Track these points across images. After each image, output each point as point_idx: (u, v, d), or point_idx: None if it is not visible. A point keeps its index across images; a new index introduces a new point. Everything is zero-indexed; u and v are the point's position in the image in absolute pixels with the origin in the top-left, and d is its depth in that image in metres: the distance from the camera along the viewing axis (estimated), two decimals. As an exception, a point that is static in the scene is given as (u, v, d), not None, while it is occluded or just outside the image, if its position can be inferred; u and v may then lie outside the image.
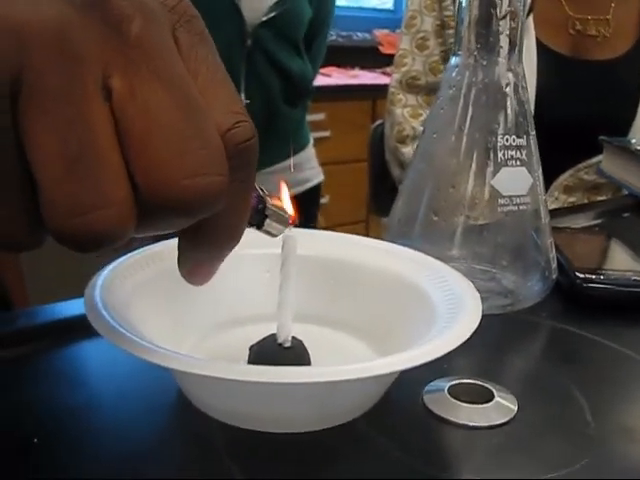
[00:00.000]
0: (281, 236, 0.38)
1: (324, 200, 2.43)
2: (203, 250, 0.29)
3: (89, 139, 0.22)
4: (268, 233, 0.34)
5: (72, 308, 0.52)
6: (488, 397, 0.41)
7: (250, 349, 0.40)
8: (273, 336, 0.40)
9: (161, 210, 0.24)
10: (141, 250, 0.44)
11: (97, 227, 0.22)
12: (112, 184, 0.23)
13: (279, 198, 0.34)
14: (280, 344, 0.40)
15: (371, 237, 0.50)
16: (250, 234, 0.47)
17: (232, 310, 0.46)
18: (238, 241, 0.29)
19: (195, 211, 0.24)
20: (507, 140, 0.53)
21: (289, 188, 0.36)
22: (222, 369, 0.31)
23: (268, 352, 0.39)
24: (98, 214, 0.22)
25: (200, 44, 0.26)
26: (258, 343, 0.40)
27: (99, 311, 0.35)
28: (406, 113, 1.29)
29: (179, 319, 0.43)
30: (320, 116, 2.47)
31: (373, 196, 1.56)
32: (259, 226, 0.33)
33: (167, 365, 0.31)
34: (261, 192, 0.32)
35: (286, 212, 0.34)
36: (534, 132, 0.55)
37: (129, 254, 0.43)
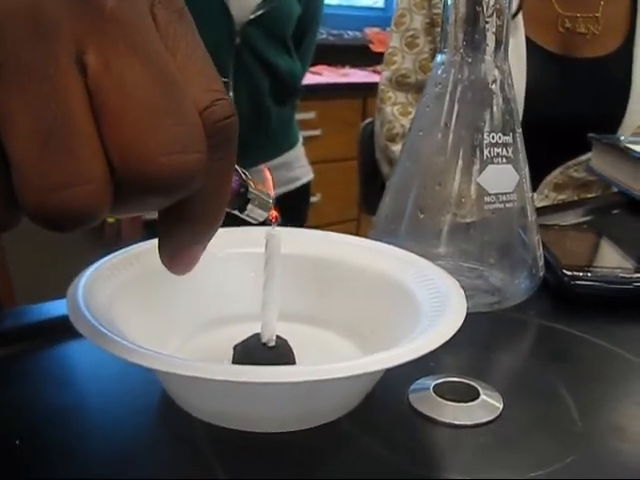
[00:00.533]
0: (265, 234, 0.37)
1: (315, 199, 2.43)
2: (184, 234, 0.28)
3: (64, 115, 0.22)
4: (250, 218, 0.33)
5: (58, 308, 0.51)
6: (474, 395, 0.41)
7: (234, 349, 0.40)
8: (257, 335, 0.40)
9: (137, 188, 0.23)
10: (124, 250, 0.44)
11: (73, 204, 0.22)
12: (88, 160, 0.22)
13: (262, 184, 0.34)
14: (264, 343, 0.39)
15: (361, 236, 0.50)
16: (235, 233, 0.47)
17: (217, 310, 0.46)
18: (219, 223, 0.28)
19: (172, 189, 0.24)
20: (493, 137, 0.53)
21: (278, 187, 0.36)
22: (205, 369, 0.30)
23: (252, 351, 0.39)
24: (73, 191, 0.22)
25: (179, 21, 0.25)
26: (242, 343, 0.40)
27: (81, 312, 0.35)
28: (396, 111, 1.29)
29: (163, 319, 0.43)
30: (310, 115, 2.47)
31: (363, 194, 1.56)
32: (241, 210, 0.32)
33: (149, 365, 0.31)
34: (243, 176, 0.32)
35: (269, 197, 0.34)
36: (520, 129, 0.55)
37: (112, 254, 0.43)
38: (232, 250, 0.47)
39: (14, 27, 0.21)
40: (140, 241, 0.44)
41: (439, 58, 0.55)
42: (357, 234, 0.50)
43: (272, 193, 0.35)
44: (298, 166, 1.74)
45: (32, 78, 0.21)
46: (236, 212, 0.33)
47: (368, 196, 1.53)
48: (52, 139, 0.21)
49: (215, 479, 0.34)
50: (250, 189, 0.32)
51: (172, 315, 0.43)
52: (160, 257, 0.29)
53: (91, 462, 0.36)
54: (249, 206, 0.32)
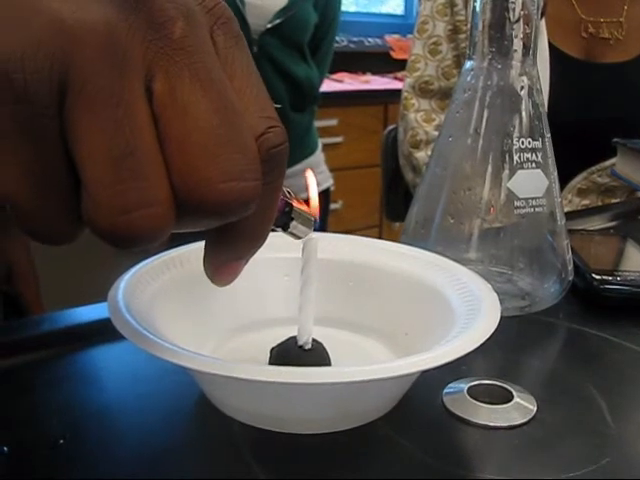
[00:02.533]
0: (302, 239, 0.38)
1: (337, 206, 2.44)
2: (229, 250, 0.29)
3: (135, 139, 0.23)
4: (293, 235, 0.34)
5: (93, 313, 0.52)
6: (507, 398, 0.41)
7: (271, 351, 0.41)
8: (294, 338, 0.40)
9: (195, 211, 0.24)
10: (161, 255, 0.45)
11: (141, 225, 0.23)
12: (156, 184, 0.23)
13: (304, 202, 0.35)
14: (301, 346, 0.40)
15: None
16: (269, 238, 0.48)
17: (252, 313, 0.47)
18: (263, 242, 0.29)
19: (228, 214, 0.25)
20: (523, 143, 0.53)
21: (298, 193, 0.36)
22: (247, 370, 0.31)
23: (289, 354, 0.40)
24: (143, 213, 0.23)
25: (236, 47, 0.26)
26: (279, 345, 0.41)
27: (123, 314, 0.36)
28: (419, 118, 1.29)
29: (199, 323, 0.44)
30: (332, 122, 2.48)
31: (386, 201, 1.56)
32: (284, 228, 0.33)
33: (193, 367, 0.31)
34: (287, 194, 0.33)
35: (311, 214, 0.34)
36: (549, 134, 0.55)
37: (150, 258, 0.44)
38: (266, 255, 0.47)
39: (89, 52, 0.22)
40: (166, 249, 0.45)
41: (468, 64, 0.55)
42: (380, 240, 0.50)
43: (315, 208, 0.36)
44: (318, 172, 1.75)
45: (108, 103, 0.22)
46: (279, 230, 0.33)
47: (391, 203, 1.53)
48: (124, 163, 0.23)
49: (256, 479, 0.35)
50: (294, 207, 0.33)
51: (208, 318, 0.44)
52: (205, 269, 0.30)
53: (130, 462, 0.36)
54: (292, 223, 0.33)
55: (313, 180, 0.39)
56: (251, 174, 0.24)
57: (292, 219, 0.33)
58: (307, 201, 0.36)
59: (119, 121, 0.22)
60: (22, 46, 0.21)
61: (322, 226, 1.79)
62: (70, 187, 0.23)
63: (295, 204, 0.33)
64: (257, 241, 0.29)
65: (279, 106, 0.26)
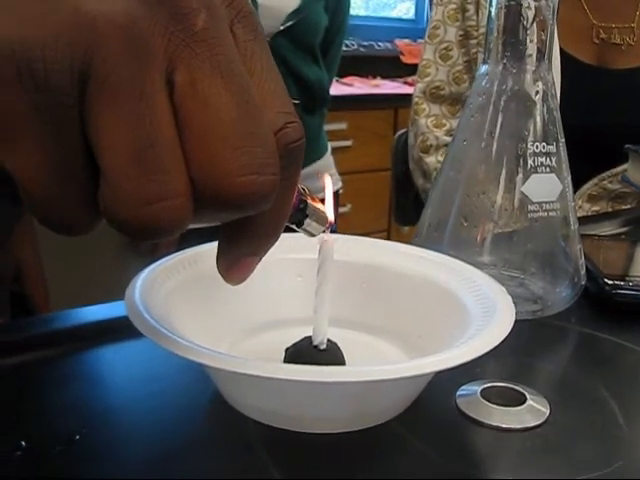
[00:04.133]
0: (317, 240, 0.38)
1: (346, 209, 2.44)
2: (243, 246, 0.29)
3: (156, 131, 0.23)
4: (307, 232, 0.34)
5: (104, 311, 0.53)
6: (520, 400, 0.42)
7: (286, 351, 0.41)
8: (309, 338, 0.41)
9: (214, 203, 0.24)
10: (177, 254, 0.45)
11: (162, 217, 0.23)
12: (176, 176, 0.23)
13: (319, 199, 0.35)
14: (316, 346, 0.40)
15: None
16: (282, 240, 0.48)
17: (266, 314, 0.47)
18: (277, 238, 0.29)
19: (246, 207, 0.25)
20: (537, 147, 0.53)
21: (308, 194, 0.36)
22: (265, 368, 0.31)
23: (304, 354, 0.40)
24: (163, 205, 0.23)
25: (255, 41, 0.26)
26: (294, 345, 0.41)
27: (141, 312, 0.36)
28: (430, 123, 1.29)
29: (214, 323, 0.44)
30: (342, 125, 2.48)
31: (396, 205, 1.56)
32: (299, 225, 0.33)
33: (213, 365, 0.32)
34: (302, 191, 0.33)
35: (325, 212, 0.34)
36: (563, 139, 0.55)
37: (166, 257, 0.44)
38: (280, 255, 0.47)
39: (111, 43, 0.22)
40: (175, 249, 0.45)
41: (483, 69, 0.56)
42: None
43: (331, 208, 0.36)
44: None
45: (130, 95, 0.22)
46: (294, 226, 0.33)
47: (401, 207, 1.53)
48: (145, 155, 0.23)
49: (271, 478, 0.35)
50: (309, 204, 0.33)
51: (223, 318, 0.45)
52: (217, 266, 0.30)
53: (145, 459, 0.37)
54: (307, 220, 0.33)
55: (329, 183, 0.40)
56: (270, 168, 0.24)
57: (307, 216, 0.33)
58: (322, 200, 0.36)
59: (141, 113, 0.23)
60: (44, 35, 0.21)
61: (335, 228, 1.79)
62: (88, 176, 0.23)
63: (310, 201, 0.33)
64: (272, 237, 0.29)
65: (297, 101, 0.26)
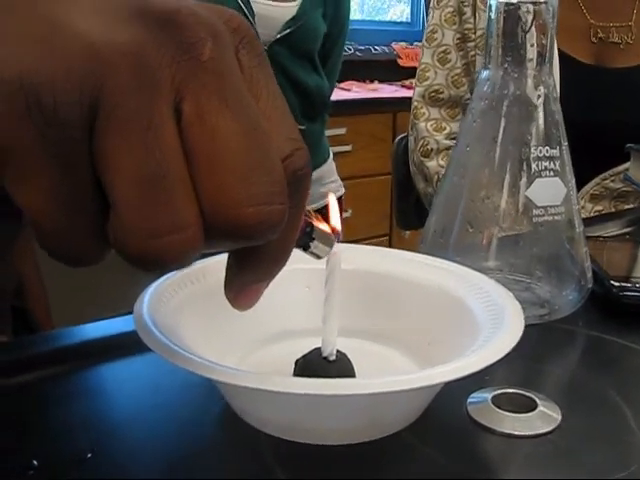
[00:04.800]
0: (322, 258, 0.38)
1: (347, 214, 2.44)
2: (251, 273, 0.29)
3: (165, 163, 0.23)
4: (313, 255, 0.34)
5: (111, 327, 0.53)
6: (531, 406, 0.42)
7: (295, 363, 0.41)
8: (318, 350, 0.41)
9: (222, 233, 0.24)
10: (183, 269, 0.45)
11: (171, 249, 0.23)
12: (186, 208, 0.23)
13: (324, 219, 0.35)
14: (325, 357, 0.40)
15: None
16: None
17: (274, 325, 0.47)
18: (284, 265, 0.29)
19: (255, 237, 0.25)
20: (540, 151, 0.53)
21: (310, 203, 0.36)
22: (277, 382, 0.31)
23: (314, 366, 0.40)
24: (174, 237, 0.23)
25: (260, 67, 0.26)
26: (303, 357, 0.41)
27: (150, 328, 0.36)
28: (430, 127, 1.29)
29: (223, 335, 0.44)
30: (341, 130, 2.48)
31: (397, 210, 1.56)
32: (305, 248, 0.33)
33: (225, 380, 0.32)
34: (307, 213, 0.32)
35: (331, 234, 0.34)
36: (567, 142, 0.55)
37: (172, 272, 0.44)
38: (287, 267, 0.47)
39: (119, 74, 0.22)
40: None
41: (484, 74, 0.56)
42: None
43: (338, 227, 0.36)
44: (329, 181, 1.75)
45: (138, 127, 0.22)
46: (300, 249, 0.33)
47: (402, 211, 1.53)
48: (154, 186, 0.23)
49: (284, 490, 0.35)
50: (315, 227, 0.33)
51: (232, 330, 0.44)
52: (225, 293, 0.30)
53: (157, 474, 0.37)
54: (313, 243, 0.33)
55: (334, 202, 0.39)
56: (279, 197, 0.24)
57: (313, 239, 0.33)
58: (325, 217, 0.35)
59: (149, 144, 0.23)
60: (53, 69, 0.21)
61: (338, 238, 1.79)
62: (97, 209, 0.23)
63: (315, 223, 0.33)
64: (279, 263, 0.29)
65: (303, 127, 0.26)
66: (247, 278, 0.29)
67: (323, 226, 0.34)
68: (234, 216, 0.24)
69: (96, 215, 0.24)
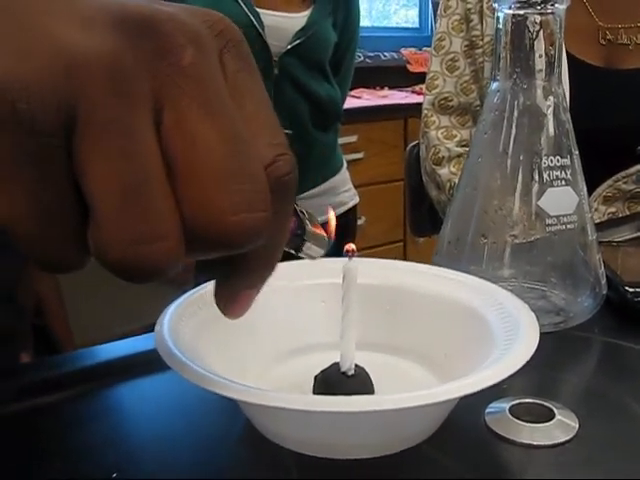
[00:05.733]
0: (342, 267, 0.39)
1: (360, 222, 2.44)
2: (240, 280, 0.29)
3: (144, 172, 0.23)
4: (307, 256, 0.34)
5: (134, 345, 0.53)
6: (549, 416, 0.42)
7: (315, 378, 0.41)
8: (336, 365, 0.41)
9: (204, 242, 0.24)
10: (202, 287, 0.45)
11: (151, 259, 0.23)
12: (166, 216, 0.23)
13: (318, 222, 0.34)
14: (344, 372, 0.41)
15: (408, 257, 0.51)
16: (302, 266, 0.48)
17: (292, 341, 0.47)
18: (272, 271, 0.29)
19: (237, 246, 0.24)
20: (551, 161, 0.54)
21: (324, 213, 0.36)
22: (296, 401, 0.32)
23: (333, 381, 0.41)
24: (154, 246, 0.23)
25: (245, 70, 0.26)
26: (322, 372, 0.41)
27: (169, 347, 0.37)
28: (440, 135, 1.30)
29: (242, 352, 0.44)
30: (352, 138, 2.48)
31: (411, 217, 1.56)
32: (297, 250, 0.33)
33: (246, 400, 0.32)
34: (301, 215, 0.32)
35: (324, 234, 0.34)
36: (577, 151, 0.56)
37: (191, 291, 0.45)
38: (302, 282, 0.48)
39: (95, 83, 0.22)
40: (194, 277, 0.46)
41: (494, 85, 0.56)
42: (404, 256, 0.51)
43: (332, 235, 0.36)
44: (343, 190, 1.75)
45: (116, 135, 0.22)
46: (292, 251, 0.33)
47: (416, 218, 1.53)
48: (134, 194, 0.22)
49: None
50: (307, 229, 0.32)
51: (250, 347, 0.45)
52: (216, 303, 0.30)
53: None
54: (306, 244, 0.33)
55: (333, 218, 0.39)
56: (261, 205, 0.24)
57: (305, 241, 0.33)
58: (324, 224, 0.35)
59: (128, 152, 0.22)
60: (27, 75, 0.21)
61: (351, 242, 1.78)
62: (77, 216, 0.23)
63: (308, 225, 0.32)
64: (267, 269, 0.29)
65: (289, 132, 0.26)
66: (237, 285, 0.29)
67: (315, 227, 0.33)
68: (215, 225, 0.23)
69: (76, 222, 0.23)
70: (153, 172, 0.23)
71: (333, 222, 0.37)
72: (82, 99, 0.22)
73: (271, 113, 0.27)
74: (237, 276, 0.29)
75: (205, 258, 0.26)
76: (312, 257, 0.34)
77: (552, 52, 0.53)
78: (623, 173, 1.21)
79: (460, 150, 1.26)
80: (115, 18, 0.23)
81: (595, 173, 1.20)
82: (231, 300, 0.30)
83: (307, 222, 0.33)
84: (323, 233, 0.34)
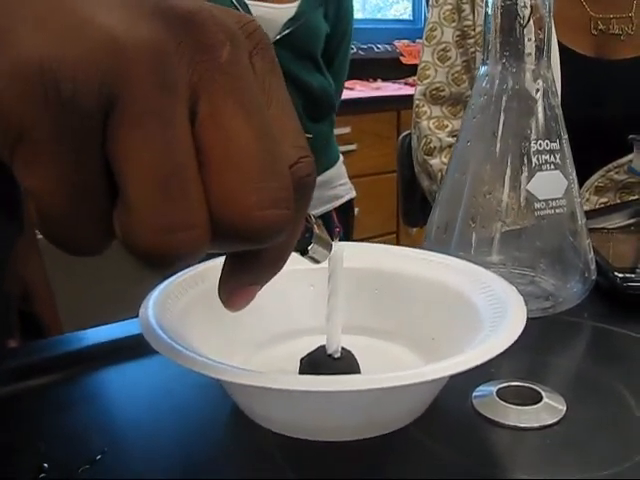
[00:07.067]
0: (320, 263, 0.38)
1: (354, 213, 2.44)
2: (246, 275, 0.29)
3: (179, 161, 0.23)
4: (312, 259, 0.34)
5: (120, 330, 0.53)
6: (536, 398, 0.42)
7: (301, 361, 0.41)
8: (323, 348, 0.41)
9: (229, 235, 0.25)
10: (187, 270, 0.45)
11: (179, 247, 0.23)
12: (196, 206, 0.24)
13: (323, 228, 0.34)
14: (330, 355, 0.41)
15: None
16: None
17: (279, 325, 0.47)
18: (281, 268, 0.30)
19: (261, 240, 0.25)
20: (540, 145, 0.54)
21: (320, 205, 0.36)
22: (279, 380, 0.32)
23: (319, 363, 0.40)
24: (183, 234, 0.23)
25: (272, 72, 0.27)
26: (308, 355, 0.41)
27: (154, 330, 0.37)
28: (432, 125, 1.29)
29: (228, 336, 0.44)
30: (346, 130, 2.48)
31: (403, 207, 1.56)
32: (304, 252, 0.33)
33: (230, 380, 0.32)
34: (308, 218, 0.33)
35: (330, 239, 0.34)
36: (566, 135, 0.55)
37: (176, 275, 0.45)
38: (291, 266, 0.48)
39: (138, 71, 0.22)
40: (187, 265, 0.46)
41: (483, 69, 0.56)
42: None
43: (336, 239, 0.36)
44: (340, 184, 1.74)
45: (155, 123, 0.23)
46: (297, 254, 0.33)
47: (409, 209, 1.53)
48: (168, 183, 0.23)
49: (292, 487, 0.35)
50: (315, 232, 0.33)
51: (236, 331, 0.45)
52: (219, 293, 0.31)
53: (167, 475, 0.37)
54: (312, 247, 0.33)
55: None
56: (286, 202, 0.25)
57: (312, 243, 0.33)
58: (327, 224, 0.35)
59: (166, 141, 0.23)
60: (75, 58, 0.22)
61: (347, 236, 1.78)
62: (105, 198, 0.24)
63: (316, 229, 0.33)
64: (276, 268, 0.29)
65: (310, 136, 0.26)
66: (244, 280, 0.30)
67: (322, 231, 0.34)
68: (242, 219, 0.24)
69: (103, 203, 0.24)
70: (188, 162, 0.23)
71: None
72: (124, 84, 0.22)
73: (295, 116, 0.27)
74: (245, 271, 0.29)
75: (224, 251, 0.27)
76: (316, 261, 0.35)
77: (541, 36, 0.53)
78: (615, 163, 1.22)
79: (452, 140, 1.26)
80: (161, 9, 0.24)
81: (587, 163, 1.21)
82: (235, 293, 0.30)
83: (314, 225, 0.33)
84: (329, 237, 0.34)
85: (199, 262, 0.46)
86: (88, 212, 0.24)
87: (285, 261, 0.29)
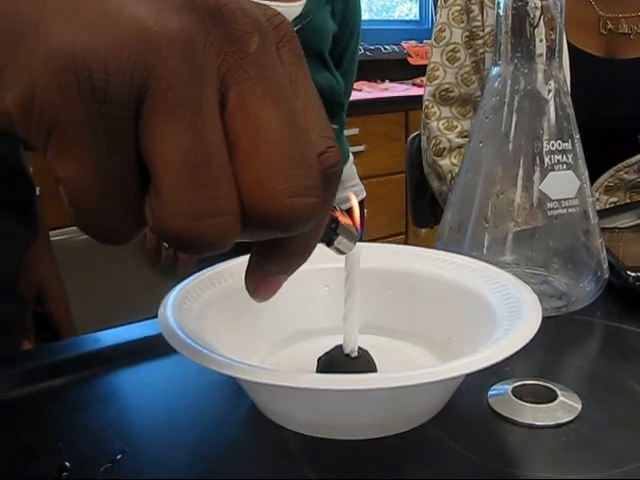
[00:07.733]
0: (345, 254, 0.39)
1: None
2: (275, 264, 0.30)
3: (210, 149, 0.24)
4: (337, 250, 0.34)
5: (139, 330, 0.53)
6: (552, 397, 0.42)
7: (318, 360, 0.42)
8: (340, 347, 0.41)
9: (259, 222, 0.25)
10: (205, 271, 0.46)
11: (211, 233, 0.24)
12: (227, 194, 0.24)
13: (349, 215, 0.35)
14: (347, 354, 0.41)
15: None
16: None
17: (295, 325, 0.48)
18: (308, 258, 0.30)
19: (290, 228, 0.25)
20: (552, 145, 0.54)
21: (339, 211, 0.36)
22: (298, 379, 0.32)
23: (336, 363, 0.41)
24: (215, 221, 0.24)
25: (298, 64, 0.27)
26: (326, 354, 0.42)
27: (173, 329, 0.37)
28: (441, 126, 1.30)
29: (245, 336, 0.45)
30: (354, 131, 2.48)
31: (413, 208, 1.56)
32: (329, 244, 0.34)
33: (250, 379, 0.32)
34: (334, 209, 0.33)
35: (355, 229, 0.35)
36: (578, 135, 0.56)
37: (194, 275, 0.45)
38: (306, 267, 0.48)
39: (170, 60, 0.23)
40: (196, 264, 0.46)
41: (494, 70, 0.56)
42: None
43: (358, 224, 0.36)
44: (350, 185, 1.74)
45: (187, 112, 0.23)
46: (323, 244, 0.33)
47: (418, 210, 1.53)
48: (201, 171, 0.23)
49: (311, 485, 0.36)
50: (341, 223, 0.33)
51: (254, 331, 0.45)
52: (245, 283, 0.31)
53: (187, 473, 0.37)
54: (337, 239, 0.34)
55: (355, 202, 0.39)
56: (314, 191, 0.25)
57: (337, 235, 0.33)
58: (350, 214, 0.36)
59: (198, 130, 0.23)
60: (107, 49, 0.22)
61: (360, 237, 1.77)
62: (136, 186, 0.24)
63: (341, 219, 0.33)
64: (303, 257, 0.30)
65: (336, 127, 0.27)
66: (269, 269, 0.30)
67: (347, 222, 0.34)
68: (271, 207, 0.24)
69: (135, 191, 0.24)
70: (218, 150, 0.24)
71: (357, 211, 0.37)
72: (156, 74, 0.23)
73: (321, 106, 0.28)
74: (272, 260, 0.29)
75: (253, 239, 0.27)
76: (342, 252, 0.35)
77: (552, 37, 0.53)
78: (624, 163, 1.21)
79: (461, 141, 1.26)
80: (190, 1, 0.24)
81: (597, 163, 1.20)
82: (262, 283, 0.31)
83: (340, 216, 0.33)
84: (354, 228, 0.34)
85: (208, 264, 0.47)
86: (120, 201, 0.24)
87: (311, 251, 0.30)
